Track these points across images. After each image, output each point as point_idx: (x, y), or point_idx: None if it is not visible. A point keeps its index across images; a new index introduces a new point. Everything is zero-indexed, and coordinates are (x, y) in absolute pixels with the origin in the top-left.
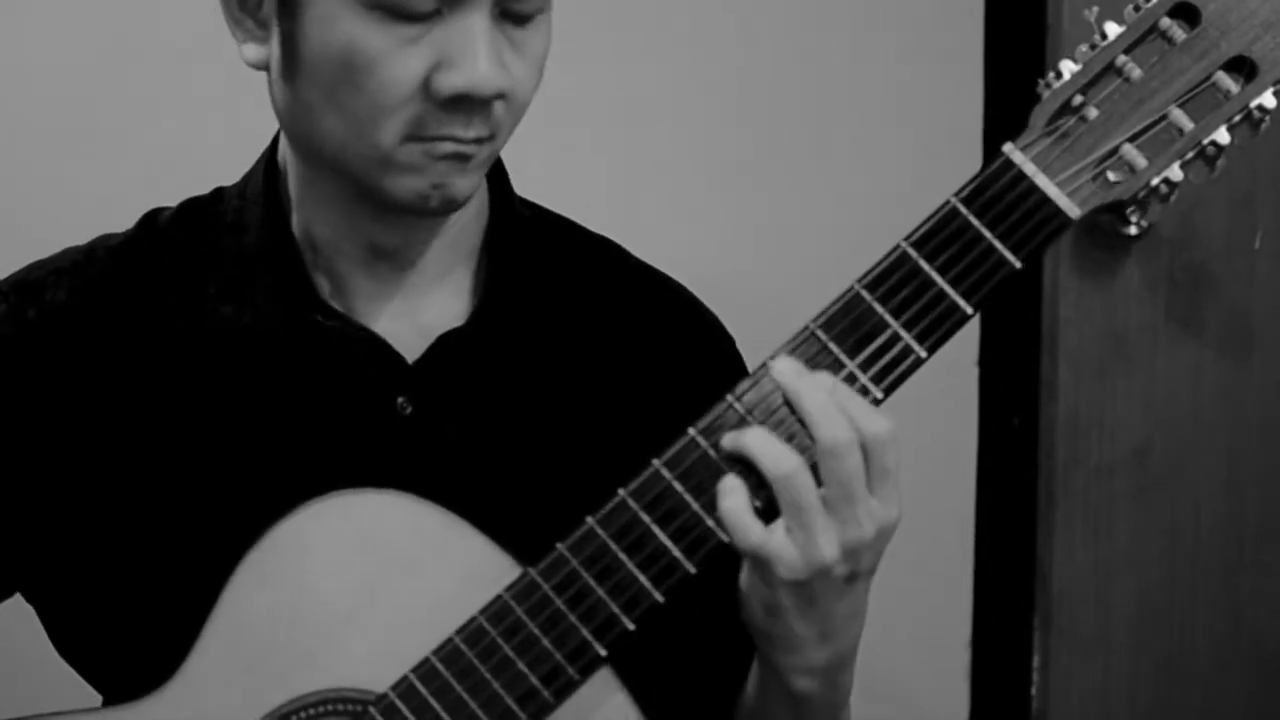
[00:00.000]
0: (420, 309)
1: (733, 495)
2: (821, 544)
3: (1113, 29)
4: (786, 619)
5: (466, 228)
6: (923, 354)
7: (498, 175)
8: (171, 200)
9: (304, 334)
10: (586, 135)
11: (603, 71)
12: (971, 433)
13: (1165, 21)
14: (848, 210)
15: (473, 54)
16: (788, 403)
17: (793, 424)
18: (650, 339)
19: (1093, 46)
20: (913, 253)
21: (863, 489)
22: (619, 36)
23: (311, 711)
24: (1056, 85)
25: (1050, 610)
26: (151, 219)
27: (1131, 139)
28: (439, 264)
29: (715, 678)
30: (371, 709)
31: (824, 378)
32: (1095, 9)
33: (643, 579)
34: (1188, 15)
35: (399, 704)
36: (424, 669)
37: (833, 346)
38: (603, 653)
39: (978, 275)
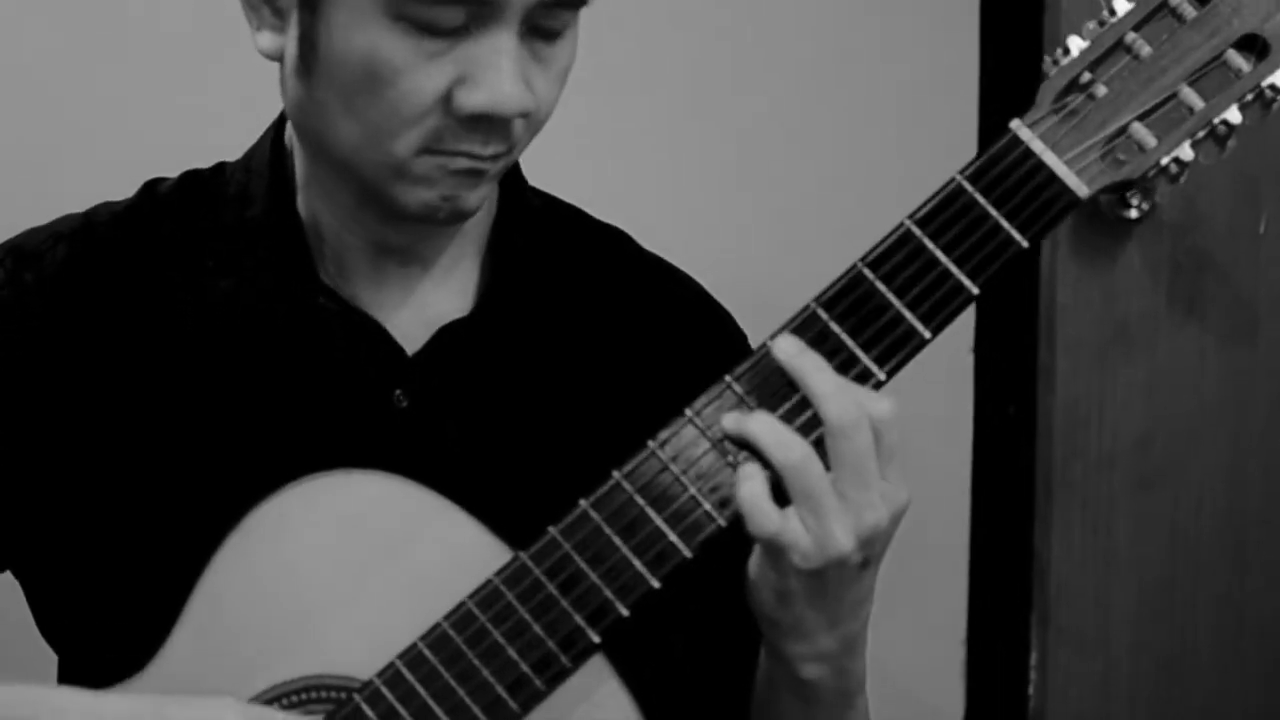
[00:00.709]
0: (425, 300)
1: (751, 481)
2: (837, 532)
3: (1122, 5)
4: (797, 607)
5: (475, 221)
6: (927, 335)
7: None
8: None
9: (303, 315)
10: (584, 130)
11: (596, 61)
12: (967, 423)
13: None
14: (843, 199)
15: (497, 73)
16: (789, 384)
17: (794, 406)
18: (659, 332)
19: (1101, 23)
20: (917, 231)
21: (874, 470)
22: (613, 27)
23: (294, 699)
24: (1064, 62)
25: (1048, 607)
26: (152, 188)
27: (1141, 117)
28: (446, 257)
29: (723, 669)
30: (355, 696)
31: (820, 359)
32: None
33: (637, 564)
34: None
35: (384, 691)
36: (410, 655)
37: (834, 327)
38: (596, 640)
39: (984, 254)
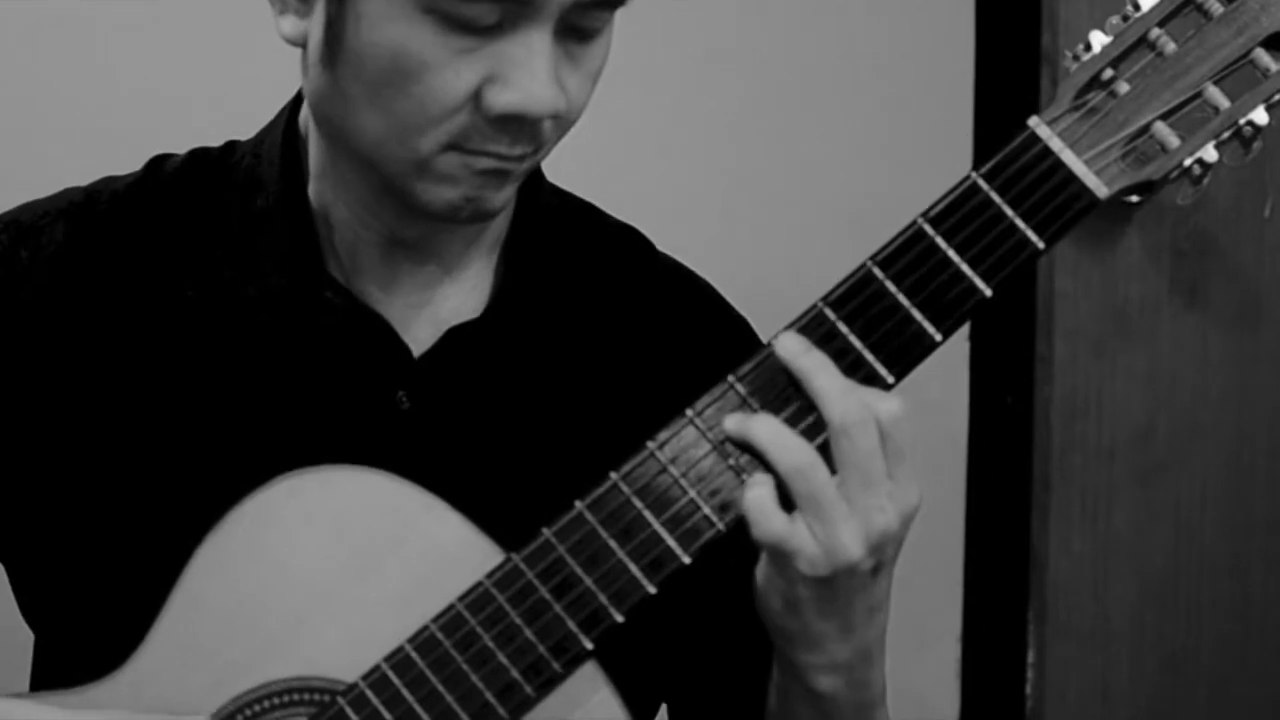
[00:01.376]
0: (436, 299)
1: (760, 486)
2: (844, 538)
3: (1147, 0)
4: (806, 615)
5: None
6: (937, 337)
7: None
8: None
9: (309, 309)
10: (580, 131)
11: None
12: (962, 413)
13: None
14: (846, 200)
15: (530, 73)
16: (794, 385)
17: (799, 409)
18: (672, 337)
19: (1125, 18)
20: (929, 229)
21: (882, 471)
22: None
23: (275, 700)
24: (1086, 58)
25: (1046, 603)
26: (158, 165)
27: (1164, 116)
28: (460, 256)
29: (733, 681)
30: (339, 699)
31: (824, 358)
32: None
33: (634, 569)
34: None
35: (369, 695)
36: (397, 658)
37: (841, 327)
38: (589, 647)
39: (998, 255)
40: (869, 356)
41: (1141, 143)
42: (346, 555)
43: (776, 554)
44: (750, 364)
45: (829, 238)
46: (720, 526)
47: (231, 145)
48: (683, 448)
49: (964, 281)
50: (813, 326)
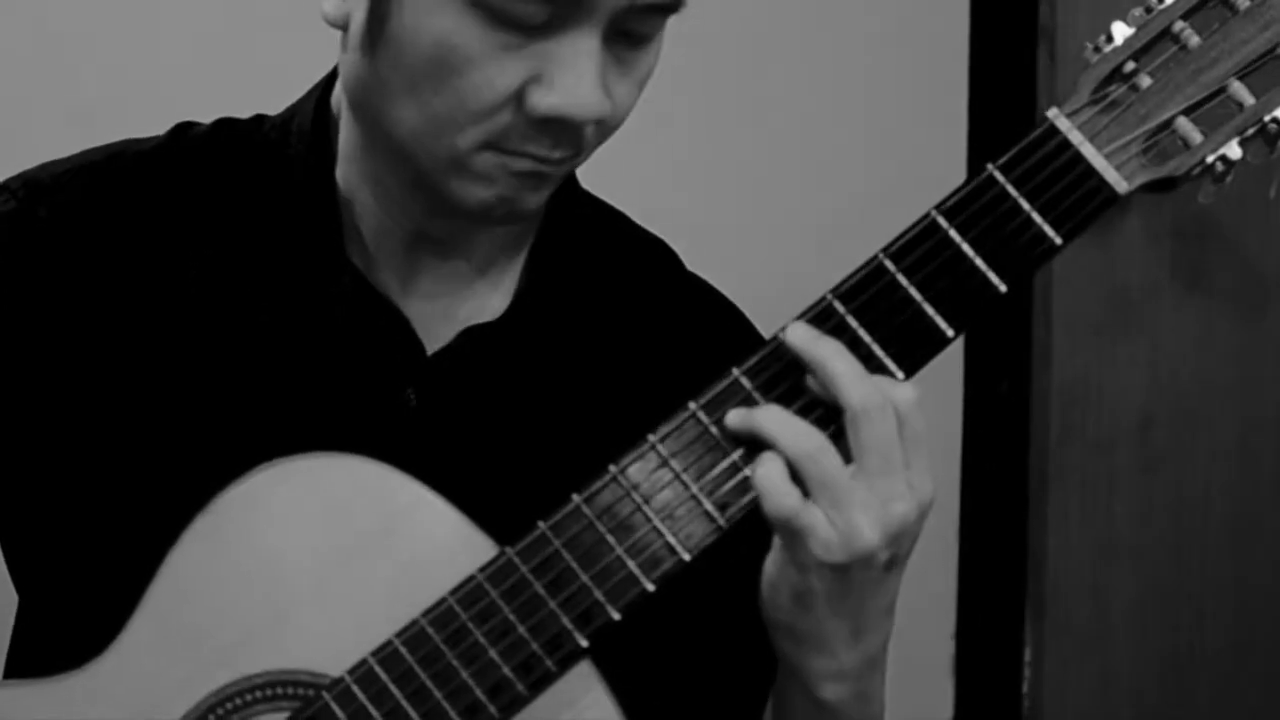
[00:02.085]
0: (455, 298)
1: (771, 462)
2: (861, 523)
3: None
4: (818, 610)
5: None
6: (949, 333)
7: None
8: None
9: (324, 295)
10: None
11: None
12: (956, 402)
13: None
14: (847, 203)
15: (577, 76)
16: (801, 380)
17: (807, 404)
18: (690, 354)
19: (1148, 9)
20: (944, 222)
21: (900, 458)
22: None
23: (258, 694)
24: (1107, 49)
25: (1043, 599)
26: (183, 131)
27: (1186, 111)
28: (485, 256)
29: (733, 692)
30: (324, 694)
31: (837, 343)
32: None
33: (631, 565)
34: None
35: (355, 690)
36: (385, 653)
37: (851, 320)
38: (584, 644)
39: (1014, 250)
40: (878, 351)
41: (1163, 138)
42: (334, 545)
43: (788, 534)
44: (755, 357)
45: (818, 223)
46: (721, 524)
47: (260, 118)
48: (684, 443)
49: (977, 276)
50: (821, 319)
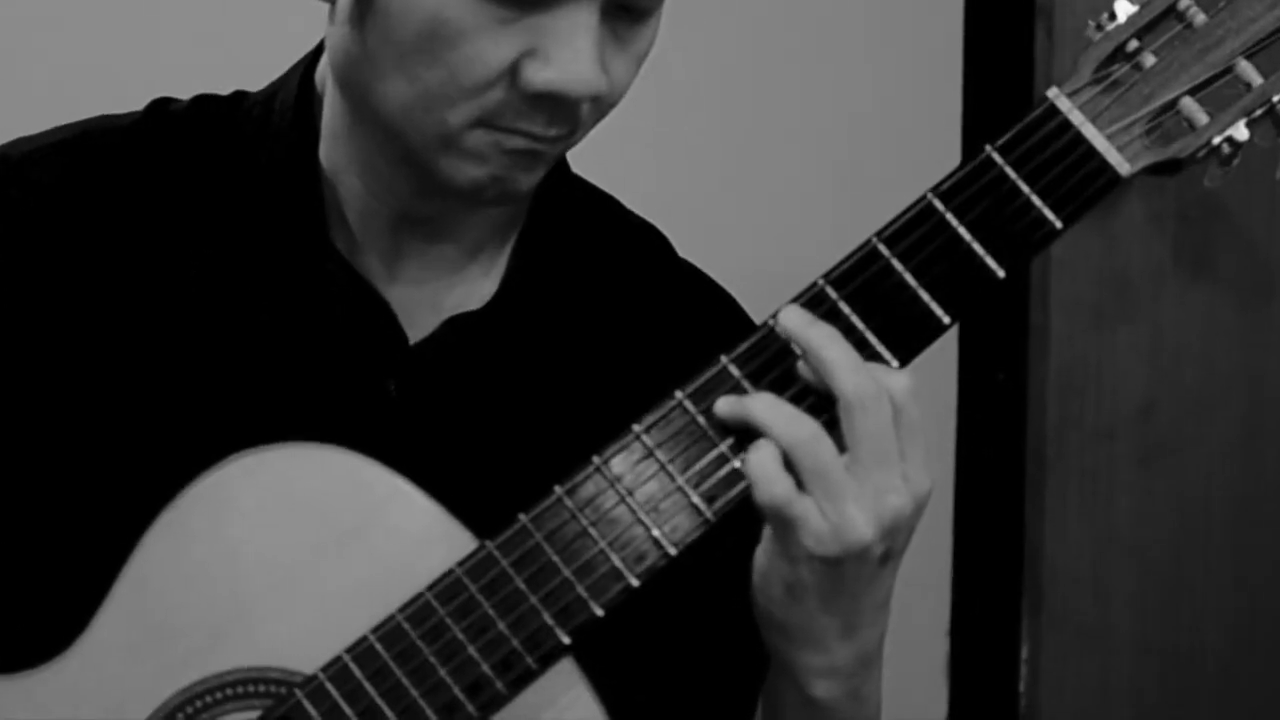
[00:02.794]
0: (441, 285)
1: (763, 449)
2: (855, 516)
3: None
4: (809, 604)
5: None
6: (945, 320)
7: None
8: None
9: (306, 279)
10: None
11: None
12: (950, 390)
13: None
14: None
15: (574, 50)
16: (792, 368)
17: (798, 392)
18: (682, 343)
19: None
20: (940, 205)
21: (895, 449)
22: None
23: (227, 692)
24: (1110, 27)
25: (1041, 594)
26: (161, 108)
27: (1192, 92)
28: (472, 241)
29: (721, 691)
30: (297, 692)
31: (832, 329)
32: None
33: (615, 559)
34: None
35: (329, 688)
36: (360, 649)
37: (843, 307)
38: (566, 641)
39: (1012, 235)
40: (872, 338)
41: (1167, 119)
42: (306, 538)
43: (780, 523)
44: (745, 344)
45: (807, 206)
46: (709, 517)
47: (240, 95)
48: (670, 433)
49: (975, 261)
50: (812, 306)
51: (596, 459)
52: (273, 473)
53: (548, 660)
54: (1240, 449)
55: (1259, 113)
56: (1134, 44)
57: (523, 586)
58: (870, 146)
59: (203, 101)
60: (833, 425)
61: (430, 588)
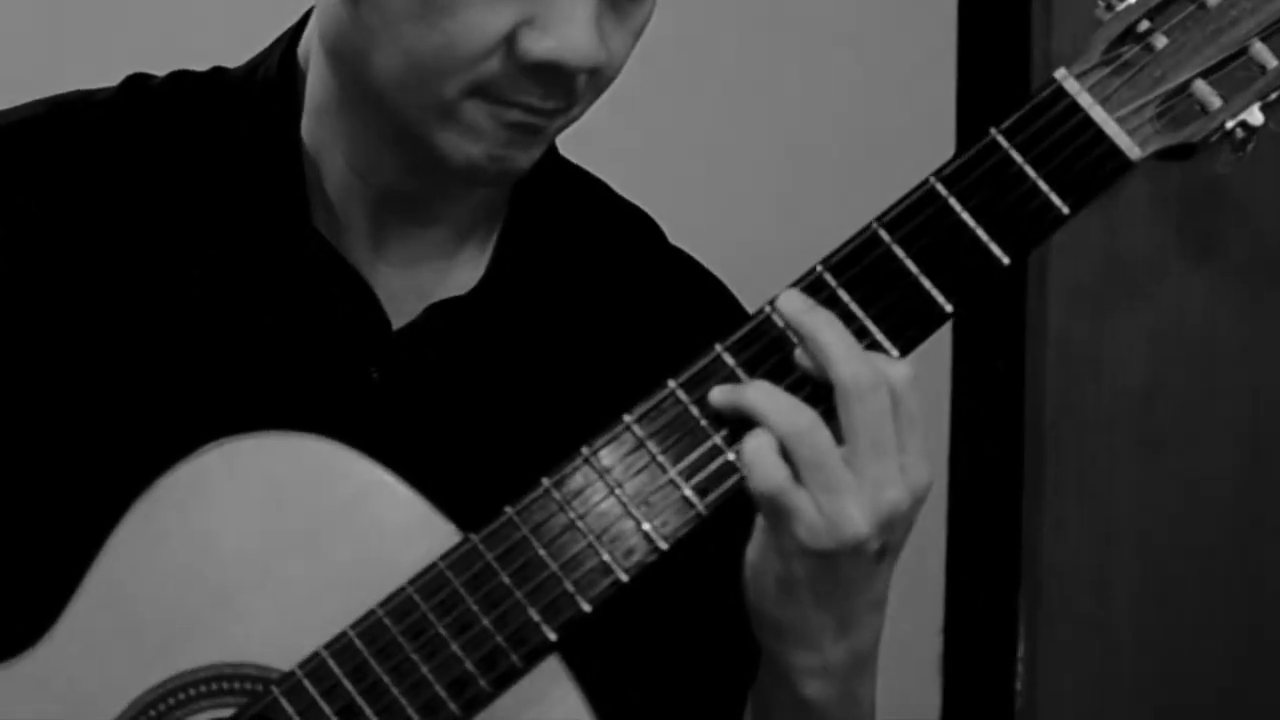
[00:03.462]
0: (425, 269)
1: (760, 436)
2: (851, 509)
3: None
4: (802, 600)
5: (500, 188)
6: (947, 308)
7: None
8: None
9: (286, 261)
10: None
11: None
12: (945, 379)
13: None
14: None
15: (571, 20)
16: (788, 356)
17: (795, 381)
18: (672, 331)
19: None
20: (943, 190)
21: (893, 440)
22: None
23: (201, 689)
24: (1120, 7)
25: (1038, 589)
26: (137, 84)
27: (1204, 74)
28: (459, 223)
29: (711, 689)
30: (273, 689)
31: (831, 315)
32: None
33: (603, 554)
34: None
35: (306, 685)
36: (339, 645)
37: (842, 294)
38: (552, 638)
39: (1018, 220)
40: (872, 326)
41: (1179, 102)
42: (284, 530)
43: (774, 515)
44: (739, 332)
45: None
46: (700, 510)
47: (219, 71)
48: (662, 423)
49: (979, 248)
50: (810, 292)
51: (585, 450)
52: (250, 462)
53: (533, 658)
54: (1245, 438)
55: (1274, 96)
56: (1145, 24)
57: (508, 581)
58: (863, 125)
59: (180, 77)
60: (830, 415)
61: (412, 582)
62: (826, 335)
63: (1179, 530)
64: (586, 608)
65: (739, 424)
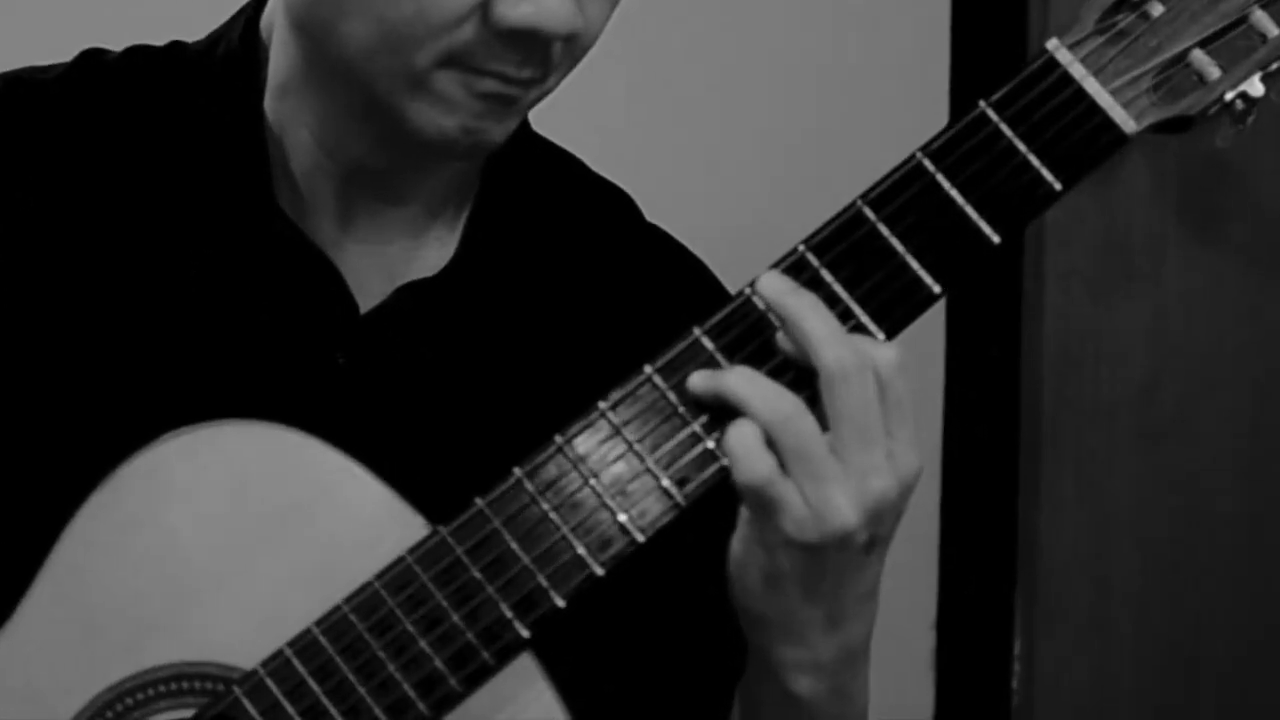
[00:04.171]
0: (394, 249)
1: (745, 425)
2: (838, 499)
3: None
4: (789, 593)
5: (471, 164)
6: (935, 289)
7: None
8: None
9: (249, 242)
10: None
11: None
12: (938, 366)
13: None
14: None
15: None
16: (770, 340)
17: (777, 365)
18: (649, 311)
19: None
20: (930, 165)
21: (879, 426)
22: None
23: (160, 689)
24: None
25: (1035, 585)
26: (91, 59)
27: (1203, 44)
28: (428, 201)
29: (695, 686)
30: (235, 689)
31: (814, 298)
32: None
33: (578, 546)
34: None
35: (269, 684)
36: (303, 643)
37: (825, 274)
38: (525, 635)
39: (1009, 197)
40: (856, 309)
41: (1176, 73)
42: (246, 523)
43: (758, 506)
44: (719, 315)
45: (784, 168)
46: (679, 501)
47: (178, 45)
48: (638, 410)
49: (968, 226)
50: (792, 273)
51: (559, 438)
52: (211, 452)
53: (505, 655)
54: (1248, 429)
55: (1275, 66)
56: None
57: (479, 576)
58: (852, 98)
59: (137, 52)
60: (814, 402)
61: (379, 577)
62: (808, 319)
63: (1179, 524)
64: (561, 603)
65: (719, 411)
